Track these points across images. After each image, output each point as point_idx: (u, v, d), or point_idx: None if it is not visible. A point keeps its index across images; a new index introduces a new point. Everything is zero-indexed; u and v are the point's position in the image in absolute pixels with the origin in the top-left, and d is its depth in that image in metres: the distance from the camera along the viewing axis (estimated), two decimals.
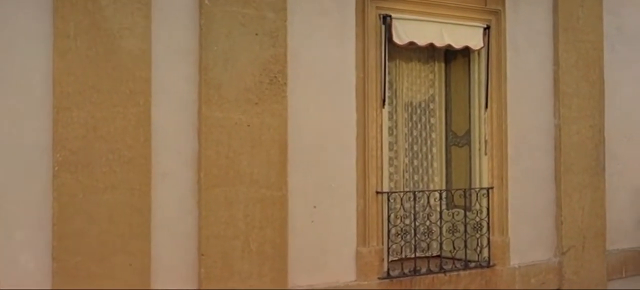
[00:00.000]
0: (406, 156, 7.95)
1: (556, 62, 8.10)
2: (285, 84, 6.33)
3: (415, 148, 7.97)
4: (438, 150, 8.05)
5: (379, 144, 6.89)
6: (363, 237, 6.78)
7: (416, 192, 7.28)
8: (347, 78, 6.78)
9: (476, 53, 7.60)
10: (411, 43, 7.11)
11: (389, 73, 7.63)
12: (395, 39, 6.94)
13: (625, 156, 8.87)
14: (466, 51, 7.62)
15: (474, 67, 7.64)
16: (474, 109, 7.63)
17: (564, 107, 8.10)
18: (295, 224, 6.40)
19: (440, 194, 7.40)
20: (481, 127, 7.57)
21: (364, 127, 6.81)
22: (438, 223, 7.39)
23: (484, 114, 7.56)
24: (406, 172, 7.94)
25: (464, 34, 7.38)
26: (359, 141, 6.80)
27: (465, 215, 7.36)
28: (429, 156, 8.02)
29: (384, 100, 6.91)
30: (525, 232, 7.82)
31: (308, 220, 6.51)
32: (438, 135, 8.06)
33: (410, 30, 7.03)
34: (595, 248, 8.29)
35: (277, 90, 6.30)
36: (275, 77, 6.29)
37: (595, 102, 8.37)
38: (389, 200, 6.89)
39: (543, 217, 8.01)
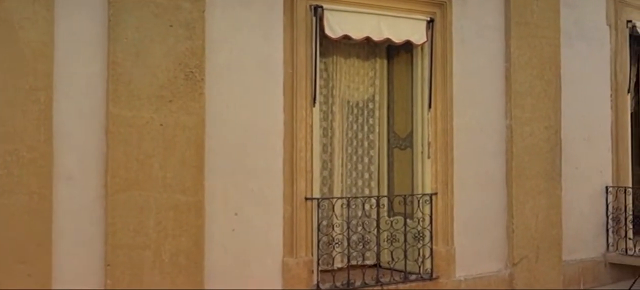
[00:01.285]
0: (347, 159, 7.95)
1: (508, 59, 8.17)
2: (203, 79, 6.31)
3: (354, 151, 7.99)
4: (379, 153, 8.07)
5: (309, 146, 6.89)
6: (290, 247, 6.77)
7: (350, 198, 7.27)
8: (274, 74, 6.77)
9: (419, 48, 7.63)
10: (346, 37, 7.12)
11: (324, 70, 7.69)
12: (328, 32, 6.95)
13: (584, 159, 8.96)
14: (409, 47, 7.65)
15: (417, 64, 7.67)
16: (417, 109, 7.66)
17: (516, 107, 8.16)
18: (213, 233, 6.37)
19: (378, 200, 7.42)
20: (424, 128, 7.60)
21: (292, 127, 6.80)
22: (374, 231, 7.39)
23: (427, 114, 7.59)
24: (348, 176, 7.95)
25: (405, 28, 7.40)
26: (287, 143, 6.80)
27: (405, 223, 7.38)
28: (366, 159, 8.03)
29: (314, 99, 6.91)
30: (473, 241, 7.87)
31: (228, 229, 6.48)
32: (379, 137, 8.09)
33: (345, 22, 7.04)
34: (550, 258, 8.36)
35: (193, 87, 6.26)
36: (192, 72, 6.26)
37: (550, 102, 8.45)
38: (319, 206, 6.88)
39: (492, 226, 8.06)
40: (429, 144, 7.55)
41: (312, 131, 6.89)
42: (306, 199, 6.83)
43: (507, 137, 8.13)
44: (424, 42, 7.49)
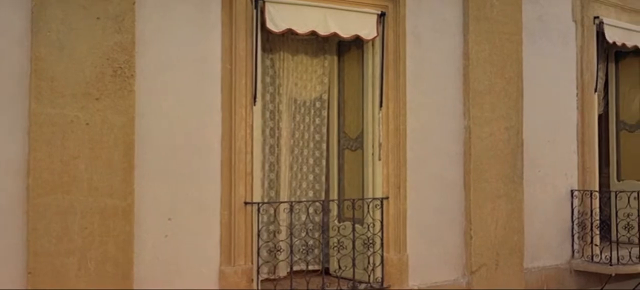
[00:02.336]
0: (294, 162, 7.96)
1: (466, 56, 8.21)
2: (133, 76, 6.27)
3: (301, 152, 7.99)
4: (329, 155, 8.09)
5: (249, 147, 6.87)
6: (228, 255, 6.75)
7: (293, 203, 7.28)
8: (211, 71, 6.75)
9: (370, 44, 7.64)
10: (290, 31, 7.12)
11: (270, 66, 7.69)
12: (270, 26, 6.94)
13: (548, 162, 9.03)
14: (360, 42, 7.67)
15: (368, 61, 7.68)
16: (368, 108, 7.67)
17: (475, 107, 8.21)
18: (144, 239, 6.33)
19: (323, 205, 7.43)
20: (375, 128, 7.61)
21: (231, 127, 6.79)
22: (320, 238, 7.40)
23: (379, 113, 7.61)
24: (295, 179, 7.96)
25: (354, 22, 7.41)
26: (225, 143, 6.77)
27: (353, 229, 7.39)
28: (314, 161, 8.04)
29: (255, 97, 6.90)
30: (427, 248, 7.89)
31: (160, 235, 6.45)
32: (329, 137, 8.10)
33: (288, 15, 7.04)
34: (511, 266, 8.41)
35: (122, 84, 6.23)
36: (120, 68, 6.22)
37: (512, 101, 8.51)
38: (259, 211, 6.87)
39: (449, 232, 8.10)
40: (380, 145, 7.56)
41: (252, 131, 6.87)
42: (245, 203, 6.81)
43: (465, 138, 8.17)
44: (375, 37, 7.49)
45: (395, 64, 7.68)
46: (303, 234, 7.40)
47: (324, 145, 8.11)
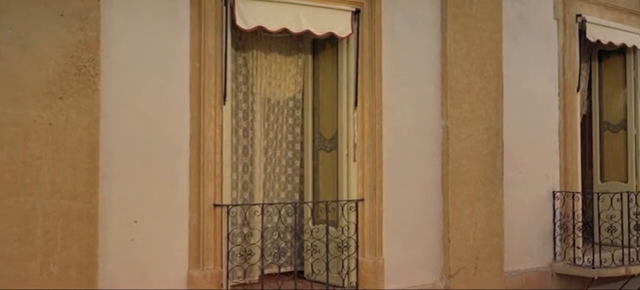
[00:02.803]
0: (268, 163, 7.95)
1: (444, 54, 8.22)
2: (97, 75, 6.23)
3: (274, 153, 7.98)
4: (303, 156, 8.09)
5: (219, 148, 6.85)
6: (196, 259, 6.72)
7: (264, 205, 7.27)
8: (179, 69, 6.72)
9: (344, 42, 7.64)
10: (261, 28, 7.11)
11: (243, 65, 7.69)
12: (240, 23, 6.92)
13: (529, 163, 9.05)
14: (335, 40, 7.66)
15: (342, 59, 7.67)
16: (342, 107, 7.66)
17: (453, 106, 8.22)
18: (109, 243, 6.30)
19: (295, 207, 7.42)
20: (350, 128, 7.60)
21: (200, 127, 6.76)
22: (292, 241, 7.40)
23: (353, 113, 7.61)
24: (268, 180, 7.95)
25: (328, 19, 7.40)
26: (193, 144, 6.75)
27: (327, 232, 7.38)
28: (288, 162, 8.05)
29: (224, 96, 6.89)
30: (404, 252, 7.89)
31: (126, 238, 6.42)
32: (304, 138, 8.10)
33: (259, 12, 7.02)
34: (490, 269, 8.42)
35: (86, 83, 6.19)
36: (85, 66, 6.19)
37: (491, 101, 8.52)
38: (228, 214, 6.86)
39: (426, 235, 8.10)
40: (355, 145, 7.56)
41: (222, 131, 6.85)
42: (215, 205, 6.79)
43: (443, 138, 8.18)
44: (349, 35, 7.49)
45: (371, 62, 7.68)
46: (275, 237, 7.35)
47: (297, 146, 8.11)
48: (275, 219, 7.56)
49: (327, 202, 7.45)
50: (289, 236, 7.55)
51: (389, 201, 7.75)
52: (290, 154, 8.09)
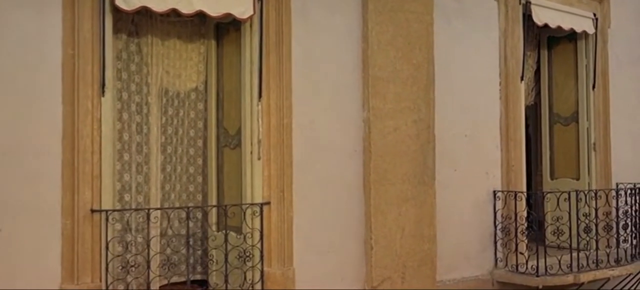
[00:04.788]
0: (166, 162, 7.59)
1: (365, 38, 7.89)
2: None
3: (176, 150, 7.61)
4: (202, 153, 7.76)
5: (97, 146, 6.44)
6: (70, 271, 6.29)
7: (150, 210, 6.90)
8: (49, 57, 6.27)
9: (247, 25, 7.29)
10: (145, 9, 6.73)
11: (137, 52, 7.31)
12: (120, 4, 6.50)
13: (465, 159, 8.76)
14: (239, 24, 7.32)
15: (245, 44, 7.29)
16: (246, 99, 7.29)
17: (375, 97, 7.88)
18: None
19: (187, 212, 7.05)
20: (253, 123, 7.25)
21: (74, 122, 6.36)
22: (187, 250, 7.07)
23: (257, 106, 7.26)
24: (168, 182, 7.60)
25: None
26: (67, 142, 6.33)
27: (226, 240, 7.04)
28: (189, 161, 7.71)
29: (104, 86, 6.51)
30: (319, 261, 7.54)
31: None
32: (208, 134, 7.75)
33: None
34: (420, 278, 8.08)
35: None
36: None
37: (421, 90, 8.20)
38: (107, 220, 6.48)
39: (345, 241, 7.76)
40: (259, 142, 7.21)
41: (100, 127, 6.46)
42: (93, 211, 6.40)
43: (365, 133, 7.85)
44: (252, 16, 7.14)
45: (278, 47, 7.32)
46: (175, 244, 7.14)
47: (200, 142, 7.74)
48: (177, 224, 7.20)
49: (225, 206, 7.08)
50: (189, 243, 7.19)
51: (300, 204, 7.40)
52: (192, 152, 7.73)
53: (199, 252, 7.64)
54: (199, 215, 7.57)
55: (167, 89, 7.57)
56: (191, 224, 7.38)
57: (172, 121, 7.64)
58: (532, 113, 11.40)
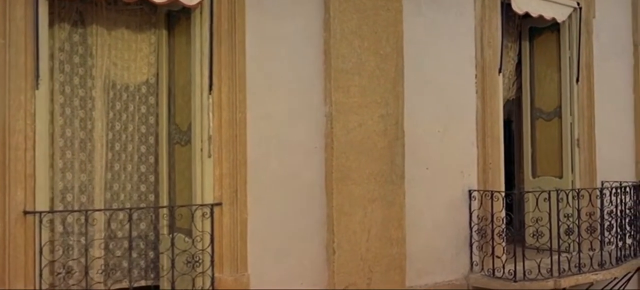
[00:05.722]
0: (114, 160, 7.33)
1: (327, 27, 7.60)
2: None
3: (126, 148, 7.35)
4: (152, 150, 7.52)
5: (30, 142, 6.14)
6: (1, 277, 5.98)
7: (88, 211, 6.61)
8: None
9: (198, 12, 7.02)
10: None
11: (81, 43, 7.07)
12: None
13: (438, 157, 8.49)
14: (189, 12, 7.05)
15: (195, 33, 7.00)
16: (196, 93, 7.01)
17: (338, 90, 7.60)
18: None
19: (130, 214, 6.75)
20: (204, 118, 6.97)
21: (5, 117, 6.08)
22: (127, 254, 6.82)
23: (208, 99, 6.98)
24: (115, 180, 7.34)
25: None
26: None
27: (172, 244, 6.76)
28: (136, 158, 7.44)
29: (37, 79, 6.24)
30: (276, 266, 7.25)
31: None
32: (159, 130, 7.49)
33: None
34: (388, 284, 7.79)
35: None
36: None
37: (389, 83, 7.91)
38: (41, 222, 6.19)
39: (306, 245, 7.47)
40: (209, 138, 6.93)
41: (34, 122, 6.18)
42: (26, 212, 6.12)
43: (327, 129, 7.56)
44: (201, 2, 6.86)
45: (231, 36, 7.03)
46: (121, 248, 7.00)
47: (152, 139, 7.47)
48: (128, 226, 6.92)
49: (171, 207, 6.81)
50: (141, 246, 7.10)
51: (255, 205, 7.11)
52: (143, 149, 7.47)
53: (152, 256, 7.30)
54: (152, 216, 7.23)
55: (115, 82, 7.32)
56: (144, 226, 7.21)
57: (120, 116, 7.37)
58: (517, 108, 11.12)
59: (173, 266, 6.70)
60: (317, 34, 7.61)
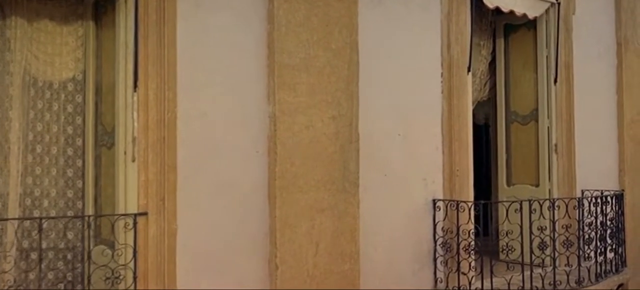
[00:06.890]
0: (36, 164, 6.82)
1: (271, 18, 7.04)
2: None
3: (49, 150, 6.87)
4: (79, 153, 7.05)
5: None
6: None
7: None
8: None
9: (123, 2, 6.47)
10: None
11: None
12: None
13: (398, 163, 7.93)
14: (114, 1, 6.52)
15: (120, 25, 6.47)
16: (120, 90, 6.48)
17: (283, 88, 7.02)
18: None
19: (40, 224, 6.12)
20: (128, 117, 6.42)
21: None
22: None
23: (133, 97, 6.42)
24: (36, 186, 6.81)
25: None
26: None
27: (88, 258, 6.20)
28: (62, 161, 6.97)
29: None
30: (210, 283, 6.65)
31: None
32: (85, 131, 7.02)
33: None
34: None
35: None
36: None
37: (341, 81, 7.35)
38: None
39: (245, 260, 6.88)
40: (134, 140, 6.36)
41: None
42: None
43: (270, 131, 6.99)
44: None
45: (159, 27, 6.46)
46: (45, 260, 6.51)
47: (79, 141, 6.97)
48: (54, 236, 6.59)
49: (89, 217, 6.24)
50: (68, 258, 6.71)
51: (186, 216, 6.53)
52: (70, 152, 6.97)
53: (79, 270, 6.76)
54: (81, 226, 6.70)
55: (36, 78, 6.80)
56: (72, 236, 6.60)
57: (42, 116, 6.85)
58: (493, 111, 10.57)
59: (89, 282, 6.11)
60: (259, 26, 7.06)
